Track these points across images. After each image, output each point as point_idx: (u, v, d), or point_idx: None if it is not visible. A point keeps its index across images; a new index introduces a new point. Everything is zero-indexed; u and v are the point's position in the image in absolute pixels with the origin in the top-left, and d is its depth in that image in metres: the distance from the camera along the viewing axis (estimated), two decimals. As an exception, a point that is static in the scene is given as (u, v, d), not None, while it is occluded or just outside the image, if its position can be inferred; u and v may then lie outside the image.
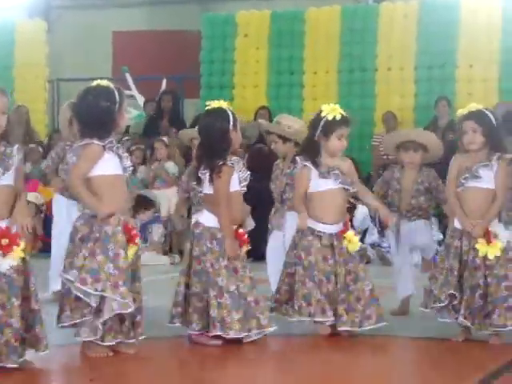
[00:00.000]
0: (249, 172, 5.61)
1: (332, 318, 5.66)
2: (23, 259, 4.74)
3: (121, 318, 5.07)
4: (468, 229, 5.55)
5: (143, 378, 4.81)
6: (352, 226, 10.47)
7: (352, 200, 10.97)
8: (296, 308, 5.68)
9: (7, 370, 4.60)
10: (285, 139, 6.50)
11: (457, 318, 5.57)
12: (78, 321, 4.99)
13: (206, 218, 5.52)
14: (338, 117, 5.77)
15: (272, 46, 13.46)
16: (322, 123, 5.78)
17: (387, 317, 6.49)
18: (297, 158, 5.98)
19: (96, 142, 5.02)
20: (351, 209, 10.67)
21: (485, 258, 5.52)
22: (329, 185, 5.77)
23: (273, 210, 6.67)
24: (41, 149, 11.99)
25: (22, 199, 4.84)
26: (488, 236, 5.52)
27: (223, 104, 5.59)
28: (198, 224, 5.53)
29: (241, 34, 13.64)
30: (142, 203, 10.17)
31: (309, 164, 5.79)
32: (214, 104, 5.61)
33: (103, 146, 5.03)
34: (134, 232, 5.15)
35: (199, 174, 5.52)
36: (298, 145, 6.35)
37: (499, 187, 5.58)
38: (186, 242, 5.65)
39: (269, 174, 6.77)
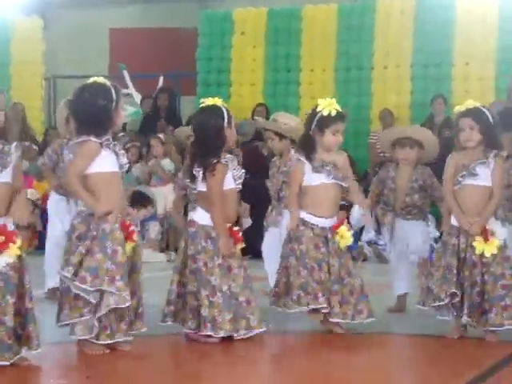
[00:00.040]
0: (243, 170, 5.60)
1: (325, 305, 5.64)
2: (19, 257, 4.74)
3: (120, 315, 5.07)
4: (465, 227, 5.55)
5: (140, 375, 4.81)
6: (348, 224, 10.58)
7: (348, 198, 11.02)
8: (295, 298, 5.68)
9: (2, 367, 4.59)
10: (281, 136, 6.51)
11: (456, 316, 5.58)
12: (76, 320, 4.99)
13: (199, 216, 5.52)
14: (333, 112, 5.77)
15: (269, 43, 13.45)
16: (316, 118, 5.79)
17: (384, 314, 6.51)
18: (292, 150, 5.98)
19: (93, 139, 5.02)
20: (348, 207, 10.69)
21: (481, 255, 5.53)
22: (322, 179, 5.77)
23: (270, 207, 6.67)
24: (35, 146, 11.97)
25: (22, 195, 4.86)
26: (485, 234, 5.52)
27: (218, 101, 5.58)
28: (192, 222, 5.53)
29: (238, 31, 13.62)
30: (139, 200, 10.16)
31: (302, 158, 5.79)
32: (209, 101, 5.60)
33: (100, 144, 5.04)
34: (131, 229, 5.15)
35: (193, 172, 5.51)
36: (294, 142, 6.36)
37: (496, 185, 5.58)
38: (181, 240, 5.65)
39: (265, 171, 6.78)
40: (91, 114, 5.04)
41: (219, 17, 13.81)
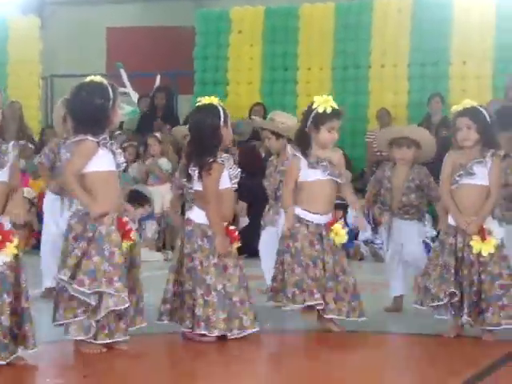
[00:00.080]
0: (240, 169, 5.60)
1: (320, 301, 5.64)
2: (16, 256, 4.73)
3: (119, 313, 5.07)
4: (463, 226, 5.55)
5: (136, 374, 4.81)
6: (345, 223, 10.59)
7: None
8: (290, 296, 5.68)
9: (-1, 366, 4.61)
10: (278, 135, 6.51)
11: (455, 315, 5.58)
12: (70, 320, 4.99)
13: (196, 215, 5.51)
14: (329, 109, 5.75)
15: (266, 42, 13.45)
16: (312, 115, 5.78)
17: (381, 313, 6.51)
18: (288, 146, 5.96)
19: (90, 138, 5.02)
20: (345, 205, 10.70)
21: (479, 254, 5.53)
22: (317, 175, 5.76)
23: (267, 206, 6.67)
24: (31, 145, 11.96)
25: (19, 194, 4.85)
26: (482, 233, 5.52)
27: (214, 100, 5.57)
28: (188, 221, 5.53)
29: (235, 30, 13.63)
30: (136, 199, 10.15)
31: (298, 154, 5.78)
32: (205, 100, 5.59)
33: (97, 143, 5.03)
34: (128, 227, 5.14)
35: (189, 171, 5.50)
36: (291, 141, 6.35)
37: (493, 184, 5.58)
38: (178, 239, 5.65)
39: (262, 171, 6.78)
40: (88, 113, 5.04)
41: (216, 15, 13.81)
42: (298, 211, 5.77)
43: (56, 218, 6.91)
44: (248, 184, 7.57)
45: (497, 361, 5.08)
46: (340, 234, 5.80)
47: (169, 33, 15.55)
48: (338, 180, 5.82)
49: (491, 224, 5.60)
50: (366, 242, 10.61)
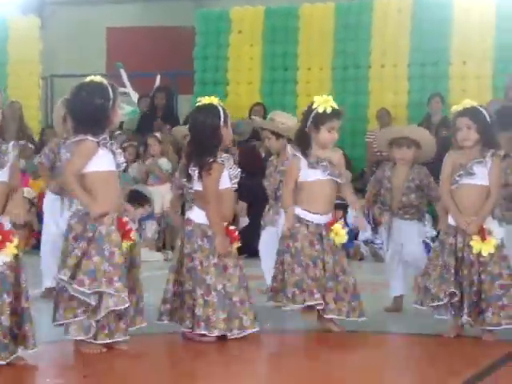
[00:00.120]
0: (240, 169, 5.59)
1: (321, 301, 5.63)
2: (16, 256, 4.73)
3: (119, 313, 5.07)
4: (463, 226, 5.55)
5: (136, 374, 4.81)
6: (345, 223, 10.59)
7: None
8: (289, 296, 5.67)
9: (-1, 366, 4.61)
10: (278, 136, 6.51)
11: (455, 315, 5.57)
12: (70, 320, 4.99)
13: (196, 215, 5.51)
14: (329, 109, 5.75)
15: (266, 42, 13.45)
16: (312, 115, 5.77)
17: (381, 313, 6.51)
18: (288, 146, 5.95)
19: (90, 138, 5.02)
20: (345, 205, 10.71)
21: (479, 254, 5.53)
22: (317, 175, 5.75)
23: (267, 206, 6.67)
24: (31, 145, 11.96)
25: (19, 194, 4.84)
26: (482, 233, 5.52)
27: (214, 100, 5.57)
28: (188, 221, 5.53)
29: (235, 30, 13.63)
30: (136, 199, 10.15)
31: (298, 154, 5.78)
32: (205, 100, 5.59)
33: (97, 143, 5.03)
34: (128, 227, 5.14)
35: (189, 171, 5.50)
36: (291, 141, 6.35)
37: (493, 184, 5.58)
38: (178, 238, 5.65)
39: (262, 171, 6.78)
40: (88, 113, 5.04)
41: (216, 15, 13.81)
42: (298, 211, 5.77)
43: (56, 218, 6.91)
44: (248, 184, 7.57)
45: (497, 361, 5.08)
46: (340, 234, 5.80)
47: (169, 33, 15.55)
48: (338, 180, 5.81)
49: (491, 224, 5.60)
50: (366, 242, 10.61)
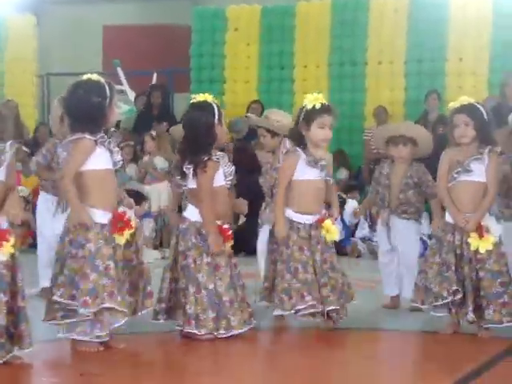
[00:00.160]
0: (238, 167, 5.58)
1: (311, 303, 5.61)
2: (12, 255, 4.72)
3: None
4: (461, 224, 5.54)
5: (133, 372, 4.81)
6: (342, 220, 10.60)
7: (342, 194, 11.04)
8: (277, 302, 5.66)
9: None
10: (273, 134, 6.50)
11: (456, 312, 5.56)
12: (61, 322, 4.99)
13: (190, 213, 5.50)
14: (318, 105, 5.72)
15: (262, 40, 13.44)
16: (303, 113, 5.76)
17: (378, 310, 6.52)
18: (286, 141, 5.93)
19: (88, 136, 5.01)
20: (341, 203, 10.71)
21: (476, 251, 5.53)
22: (313, 175, 5.74)
23: (263, 204, 6.66)
24: (26, 148, 11.91)
25: (15, 193, 4.84)
26: (480, 230, 5.52)
27: (208, 97, 5.55)
28: (184, 219, 5.52)
29: (231, 28, 13.61)
30: (134, 197, 10.12)
31: (299, 149, 5.75)
32: (199, 97, 5.58)
33: (95, 141, 5.02)
34: (126, 217, 5.11)
35: (184, 169, 5.48)
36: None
37: (491, 180, 5.58)
38: (173, 236, 5.64)
39: (259, 169, 6.77)
40: (85, 111, 5.03)
41: (212, 13, 13.79)
42: (290, 214, 5.74)
43: (50, 220, 6.86)
44: (246, 182, 7.56)
45: (494, 357, 5.08)
46: (331, 231, 5.77)
47: (165, 31, 15.54)
48: (331, 180, 5.82)
49: (489, 221, 5.60)
50: (363, 240, 10.61)
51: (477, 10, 12.36)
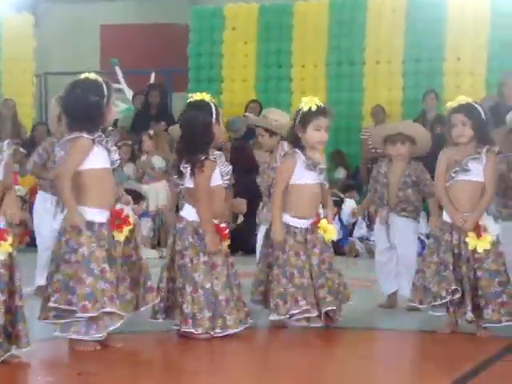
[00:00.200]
0: (236, 167, 5.58)
1: (305, 307, 5.60)
2: (10, 254, 4.72)
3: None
4: (458, 223, 5.54)
5: (131, 371, 4.80)
6: (340, 220, 10.60)
7: (340, 194, 11.05)
8: (273, 307, 5.66)
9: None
10: (271, 133, 6.49)
11: (454, 312, 5.56)
12: (55, 321, 4.99)
13: (187, 212, 5.50)
14: (314, 107, 5.71)
15: (260, 39, 13.44)
16: (299, 115, 5.76)
17: (375, 310, 6.52)
18: (284, 143, 5.93)
19: (85, 135, 5.00)
20: (339, 202, 10.72)
21: (474, 251, 5.53)
22: (312, 178, 5.73)
23: (261, 204, 6.66)
24: (22, 149, 11.92)
25: (12, 193, 4.83)
26: (478, 230, 5.52)
27: (206, 96, 5.55)
28: (180, 218, 5.52)
29: (229, 27, 13.62)
30: (132, 197, 10.12)
31: (298, 150, 5.75)
32: (197, 96, 5.57)
33: (92, 140, 5.02)
34: (124, 214, 5.11)
35: (181, 168, 5.48)
36: (284, 139, 6.34)
37: (488, 180, 5.58)
38: (170, 235, 5.63)
39: (257, 168, 6.77)
40: (83, 110, 5.02)
41: (210, 12, 13.79)
42: (287, 219, 5.73)
43: (49, 219, 6.85)
44: (244, 181, 7.57)
45: (492, 356, 5.08)
46: (329, 231, 5.76)
47: (163, 30, 15.53)
48: (327, 184, 5.82)
49: (487, 220, 5.60)
50: (361, 239, 10.61)
51: (475, 9, 12.37)
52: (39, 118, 15.20)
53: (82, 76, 5.15)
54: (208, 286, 5.38)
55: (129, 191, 9.98)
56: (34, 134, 12.67)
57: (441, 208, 5.87)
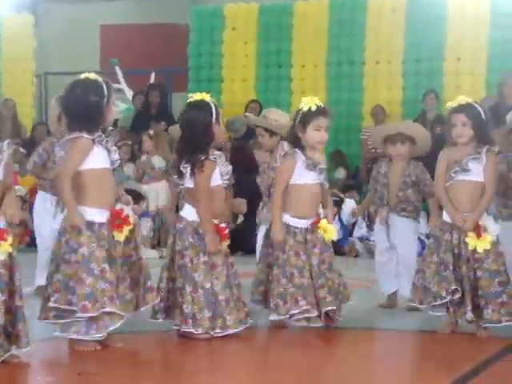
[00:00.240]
0: (237, 167, 5.58)
1: (305, 307, 5.60)
2: (10, 254, 4.72)
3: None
4: (458, 223, 5.54)
5: (131, 371, 4.80)
6: (340, 220, 10.60)
7: (340, 194, 11.04)
8: (273, 307, 5.66)
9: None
10: (272, 133, 6.49)
11: (454, 312, 5.56)
12: (55, 321, 4.99)
13: (187, 212, 5.50)
14: (314, 107, 5.71)
15: (260, 39, 13.44)
16: (299, 115, 5.75)
17: (375, 310, 6.52)
18: (284, 144, 5.93)
19: (85, 135, 5.00)
20: (339, 202, 10.71)
21: (474, 251, 5.53)
22: (312, 178, 5.73)
23: (260, 204, 6.66)
24: (22, 149, 11.92)
25: (12, 193, 4.84)
26: (478, 230, 5.52)
27: (206, 96, 5.55)
28: (180, 218, 5.52)
29: (229, 27, 13.62)
30: (132, 197, 10.12)
31: (298, 150, 5.74)
32: (197, 96, 5.57)
33: (93, 140, 5.01)
34: (124, 214, 5.11)
35: (181, 168, 5.48)
36: (284, 139, 6.34)
37: (488, 180, 5.58)
38: (170, 235, 5.63)
39: (256, 168, 6.77)
40: (83, 110, 5.01)
41: (210, 12, 13.79)
42: (287, 219, 5.73)
43: (49, 219, 6.85)
44: (244, 181, 7.57)
45: (492, 356, 5.08)
46: (328, 231, 5.75)
47: (163, 30, 15.53)
48: (327, 185, 5.81)
49: (487, 220, 5.60)
50: (361, 239, 10.61)
51: (475, 9, 12.37)
52: (39, 117, 15.20)
53: (82, 76, 5.15)
54: (208, 285, 5.38)
55: (129, 191, 10.02)
56: (34, 133, 12.67)
57: (441, 208, 5.87)
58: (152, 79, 14.15)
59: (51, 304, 4.94)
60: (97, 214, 5.04)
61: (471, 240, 5.52)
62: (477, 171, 5.57)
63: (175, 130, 7.85)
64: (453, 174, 5.58)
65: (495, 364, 4.96)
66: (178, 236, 5.48)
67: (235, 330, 5.43)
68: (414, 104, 12.32)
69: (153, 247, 10.59)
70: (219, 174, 5.49)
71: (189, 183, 5.48)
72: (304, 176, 5.73)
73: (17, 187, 10.21)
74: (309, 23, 13.12)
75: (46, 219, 6.89)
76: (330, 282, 5.72)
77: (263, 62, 13.41)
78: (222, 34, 13.60)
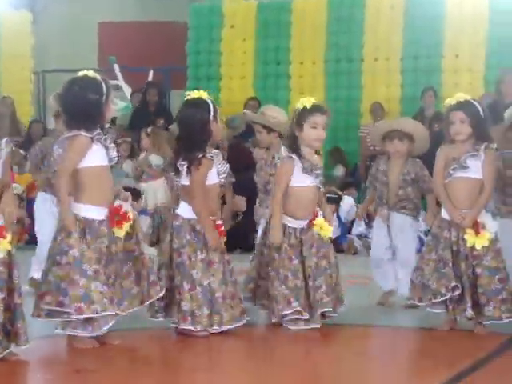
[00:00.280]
0: (234, 164, 5.57)
1: (297, 308, 5.59)
2: (9, 252, 4.72)
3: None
4: (457, 220, 5.54)
5: (130, 369, 4.80)
6: (338, 217, 10.60)
7: (338, 191, 11.05)
8: (271, 310, 5.66)
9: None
10: (269, 130, 6.49)
11: (453, 309, 5.56)
12: (50, 319, 4.99)
13: (183, 210, 5.50)
14: (309, 105, 5.71)
15: (259, 36, 13.44)
16: (295, 114, 5.75)
17: (373, 307, 6.52)
18: (282, 148, 5.94)
19: (84, 133, 4.99)
20: (337, 200, 10.72)
21: (472, 248, 5.53)
22: (310, 181, 5.72)
23: (257, 201, 6.66)
24: (21, 151, 11.89)
25: (10, 191, 4.84)
26: (476, 227, 5.52)
27: (203, 94, 5.54)
28: (176, 216, 5.51)
29: (227, 24, 13.61)
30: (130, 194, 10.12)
31: (295, 156, 5.74)
32: (194, 94, 5.56)
33: (91, 138, 5.01)
34: (123, 210, 5.11)
35: (178, 166, 5.47)
36: (282, 136, 6.34)
37: (487, 177, 5.58)
38: (167, 234, 5.62)
39: (253, 165, 6.77)
40: (81, 108, 5.00)
41: (208, 10, 13.79)
42: (284, 219, 5.71)
43: (50, 219, 6.84)
44: (241, 179, 7.57)
45: (491, 353, 5.09)
46: (324, 228, 5.75)
47: (162, 28, 15.53)
48: (321, 189, 5.82)
49: (485, 218, 5.60)
50: (359, 237, 10.62)
51: (473, 6, 12.37)
52: (37, 115, 15.20)
53: (80, 73, 5.14)
54: (206, 283, 5.38)
55: (126, 188, 10.02)
56: (30, 131, 12.66)
57: (439, 205, 5.87)
58: (150, 77, 14.14)
59: (43, 305, 4.95)
60: (95, 212, 5.04)
61: (470, 237, 5.52)
62: (475, 168, 5.57)
63: (176, 129, 7.86)
64: (451, 171, 5.59)
65: (494, 361, 4.97)
66: (175, 234, 5.47)
67: (229, 327, 5.42)
68: (412, 101, 12.33)
69: (151, 245, 10.57)
70: (216, 173, 5.48)
71: (185, 181, 5.48)
72: (301, 179, 5.71)
73: (14, 185, 10.21)
74: (307, 20, 13.11)
75: (47, 220, 6.88)
76: (329, 279, 5.71)
77: (262, 59, 13.41)
78: (220, 31, 13.60)
